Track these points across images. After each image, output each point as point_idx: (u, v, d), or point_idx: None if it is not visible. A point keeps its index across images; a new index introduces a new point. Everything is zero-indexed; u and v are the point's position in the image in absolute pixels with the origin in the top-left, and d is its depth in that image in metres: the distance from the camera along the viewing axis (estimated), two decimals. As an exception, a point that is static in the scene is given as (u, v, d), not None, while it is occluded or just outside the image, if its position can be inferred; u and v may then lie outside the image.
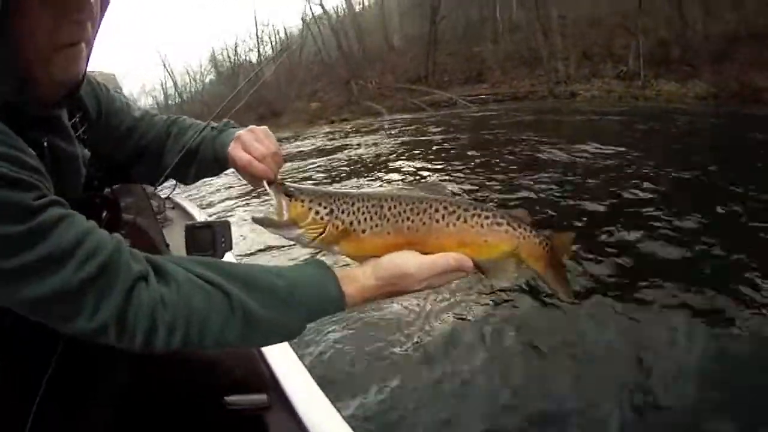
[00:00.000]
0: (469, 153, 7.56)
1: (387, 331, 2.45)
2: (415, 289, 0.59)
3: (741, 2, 12.66)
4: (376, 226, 0.59)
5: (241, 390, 0.83)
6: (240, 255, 3.66)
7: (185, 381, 0.80)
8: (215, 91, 26.48)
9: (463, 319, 2.55)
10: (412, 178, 6.36)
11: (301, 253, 3.39)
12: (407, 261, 0.58)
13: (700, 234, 3.42)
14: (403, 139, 10.48)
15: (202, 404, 0.80)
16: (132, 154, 0.84)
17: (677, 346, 2.21)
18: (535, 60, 17.26)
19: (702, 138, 8.14)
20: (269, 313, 0.54)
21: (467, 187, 5.38)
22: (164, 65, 36.80)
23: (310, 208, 0.60)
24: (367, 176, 6.91)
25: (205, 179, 0.89)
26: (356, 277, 0.58)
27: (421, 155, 8.08)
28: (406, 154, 8.31)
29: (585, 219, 3.96)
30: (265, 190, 0.65)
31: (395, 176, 6.63)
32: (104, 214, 0.70)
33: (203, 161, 0.80)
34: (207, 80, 29.72)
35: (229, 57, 27.93)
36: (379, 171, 7.12)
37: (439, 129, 11.13)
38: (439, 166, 6.96)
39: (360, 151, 9.52)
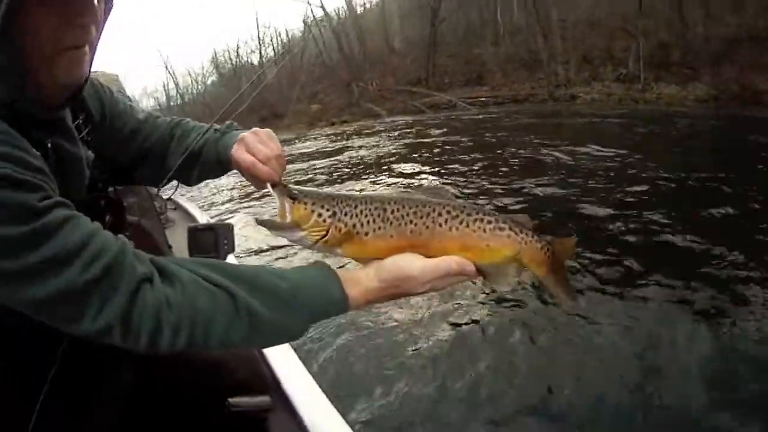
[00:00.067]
0: (470, 155, 7.56)
1: (391, 334, 2.46)
2: (417, 292, 0.60)
3: (741, 5, 12.69)
4: (379, 228, 0.59)
5: (243, 392, 0.83)
6: (241, 256, 3.66)
7: (189, 382, 0.80)
8: (217, 92, 26.54)
9: (466, 321, 2.55)
10: (412, 181, 6.37)
11: (304, 256, 3.39)
12: (410, 264, 0.58)
13: (701, 235, 3.42)
14: (404, 141, 10.50)
15: (206, 405, 0.80)
16: (135, 156, 0.84)
17: (679, 346, 2.22)
18: (536, 63, 17.28)
19: (702, 141, 8.14)
20: (273, 315, 0.54)
21: (468, 189, 5.39)
22: (166, 66, 36.95)
23: (313, 211, 0.60)
24: (368, 178, 6.91)
25: (206, 180, 0.89)
26: (359, 279, 0.58)
27: (421, 157, 8.09)
28: (407, 157, 8.33)
29: (586, 222, 3.96)
30: (268, 192, 0.65)
31: (396, 179, 6.63)
32: (108, 216, 0.70)
33: (206, 163, 0.80)
34: (209, 82, 29.82)
35: (230, 59, 28.04)
36: (380, 173, 7.12)
37: (439, 131, 11.14)
38: (439, 169, 6.97)
39: (361, 153, 9.53)
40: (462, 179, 5.98)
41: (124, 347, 0.50)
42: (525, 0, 18.81)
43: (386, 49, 22.84)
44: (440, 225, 0.59)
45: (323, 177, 7.44)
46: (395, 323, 2.54)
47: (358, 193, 0.64)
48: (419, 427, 1.85)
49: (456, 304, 2.69)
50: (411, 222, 0.59)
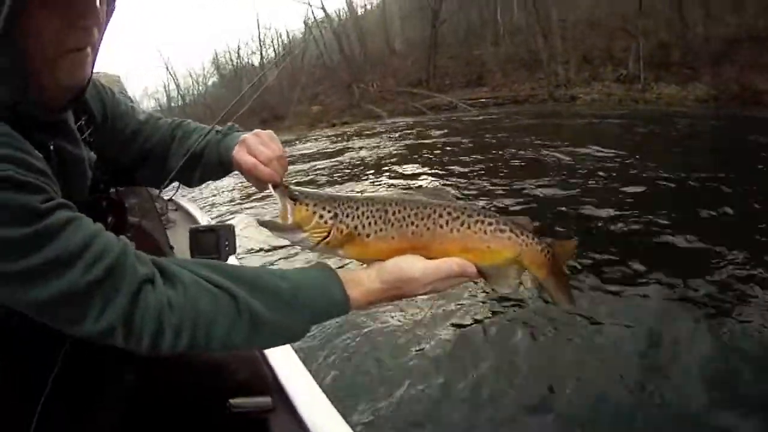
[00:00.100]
0: (470, 156, 7.56)
1: (392, 335, 2.45)
2: (418, 293, 0.60)
3: (741, 5, 12.69)
4: (381, 230, 0.60)
5: (245, 393, 0.83)
6: (242, 257, 3.66)
7: (190, 383, 0.80)
8: (218, 93, 26.57)
9: (467, 322, 2.55)
10: (413, 182, 6.37)
11: (305, 257, 3.39)
12: (412, 265, 0.58)
13: (701, 235, 3.42)
14: (405, 142, 10.51)
15: (207, 406, 0.80)
16: (137, 157, 0.85)
17: (680, 345, 2.23)
18: (536, 63, 17.29)
19: (702, 141, 8.14)
20: (274, 315, 0.54)
21: (468, 190, 5.39)
22: (167, 67, 37.02)
23: (314, 212, 0.60)
24: (369, 179, 6.91)
25: (207, 182, 0.89)
26: (361, 280, 0.59)
27: (422, 158, 8.09)
28: (408, 158, 8.33)
29: (586, 222, 3.96)
30: (270, 193, 0.65)
31: (396, 180, 6.63)
32: (110, 217, 0.70)
33: (208, 164, 0.80)
34: (209, 83, 29.86)
35: (231, 60, 28.08)
36: (381, 174, 7.13)
37: (440, 132, 11.15)
38: (440, 170, 6.97)
39: (361, 153, 9.54)
40: (462, 180, 5.98)
41: (125, 349, 0.50)
42: (525, 0, 18.83)
43: (387, 50, 22.86)
44: (441, 226, 0.59)
45: (324, 178, 7.44)
46: (396, 324, 2.54)
47: (359, 194, 0.64)
48: (421, 428, 1.84)
49: (457, 304, 2.69)
50: (412, 223, 0.59)
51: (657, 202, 4.32)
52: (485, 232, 0.60)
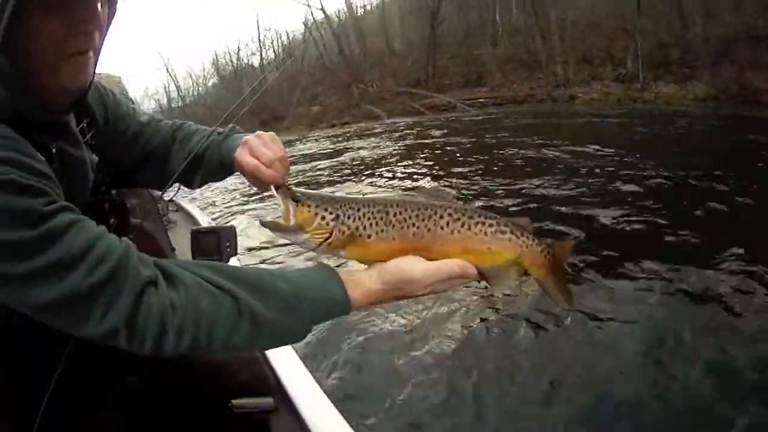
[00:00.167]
0: (470, 156, 7.57)
1: (393, 336, 2.46)
2: (419, 294, 0.60)
3: (741, 4, 12.70)
4: (382, 231, 0.60)
5: (246, 393, 0.84)
6: (243, 258, 3.66)
7: (192, 384, 0.81)
8: (218, 94, 26.55)
9: (468, 322, 2.55)
10: (412, 182, 6.38)
11: (307, 257, 3.40)
12: (413, 266, 0.59)
13: (701, 234, 3.43)
14: (404, 142, 10.52)
15: (209, 407, 0.81)
16: (138, 158, 0.85)
17: (683, 342, 2.24)
18: (534, 63, 17.30)
19: (702, 140, 8.15)
20: (276, 317, 0.54)
21: (468, 190, 5.39)
22: (167, 69, 36.99)
23: (316, 214, 0.60)
24: (369, 179, 6.92)
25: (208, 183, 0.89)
26: (362, 281, 0.59)
27: (421, 159, 8.09)
28: (407, 158, 8.33)
29: (586, 221, 3.96)
30: (271, 194, 0.65)
31: (396, 180, 6.64)
32: (112, 219, 0.71)
33: (209, 166, 0.81)
34: (209, 84, 29.84)
35: (231, 61, 28.07)
36: (381, 174, 7.13)
37: (439, 132, 11.16)
38: (439, 170, 6.97)
39: (361, 154, 9.55)
40: (462, 180, 5.98)
41: (128, 350, 0.50)
42: (524, 1, 18.84)
43: (386, 50, 22.87)
44: (442, 228, 0.60)
45: (324, 178, 7.45)
46: (398, 325, 2.54)
47: (360, 195, 0.64)
48: (422, 428, 1.85)
49: (458, 304, 2.70)
50: (413, 225, 0.60)
51: (656, 200, 4.33)
52: (486, 234, 0.60)
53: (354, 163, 8.57)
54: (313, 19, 23.95)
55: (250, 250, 3.98)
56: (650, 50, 14.27)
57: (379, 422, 1.86)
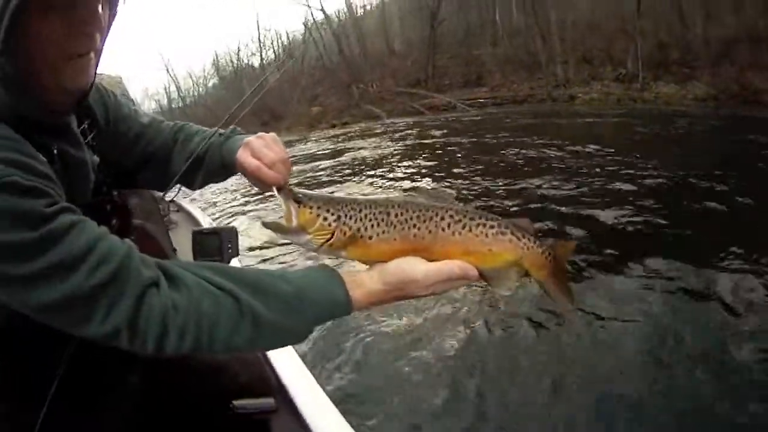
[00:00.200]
0: (470, 156, 7.58)
1: (395, 337, 2.46)
2: (419, 295, 0.60)
3: (741, 5, 12.70)
4: (383, 232, 0.60)
5: (248, 394, 0.84)
6: (245, 259, 3.66)
7: (193, 385, 0.81)
8: (218, 95, 26.59)
9: (470, 323, 2.56)
10: (413, 182, 6.38)
11: (308, 257, 3.40)
12: (414, 267, 0.59)
13: (701, 233, 3.44)
14: (404, 142, 10.53)
15: (210, 408, 0.81)
16: (139, 159, 0.85)
17: (685, 341, 2.25)
18: (534, 63, 17.31)
19: (702, 140, 8.16)
20: (277, 317, 0.54)
21: (468, 190, 5.39)
22: (167, 69, 37.02)
23: (318, 215, 0.60)
24: (369, 180, 6.92)
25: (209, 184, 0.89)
26: (363, 282, 0.59)
27: (421, 159, 8.10)
28: (407, 158, 8.34)
29: (586, 221, 3.97)
30: (273, 194, 0.65)
31: (396, 181, 6.64)
32: (114, 219, 0.71)
33: (210, 167, 0.81)
34: (210, 84, 29.87)
35: (231, 61, 28.09)
36: (381, 175, 7.13)
37: (439, 133, 11.17)
38: (439, 170, 6.98)
39: (362, 154, 9.55)
40: (462, 180, 5.99)
41: (130, 350, 0.50)
42: (524, 1, 18.85)
43: (386, 50, 22.89)
44: (443, 229, 0.60)
45: (324, 179, 7.45)
46: (399, 325, 2.54)
47: (362, 196, 0.64)
48: (423, 430, 1.84)
49: (459, 305, 2.70)
50: (414, 226, 0.60)
51: (656, 200, 4.33)
52: (487, 235, 0.60)
53: (354, 163, 8.58)
54: (313, 19, 23.98)
55: (251, 250, 3.99)
56: (650, 50, 14.28)
57: (380, 423, 1.86)
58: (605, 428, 1.80)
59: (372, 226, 0.60)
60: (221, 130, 0.83)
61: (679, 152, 6.83)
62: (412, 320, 2.58)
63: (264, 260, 3.80)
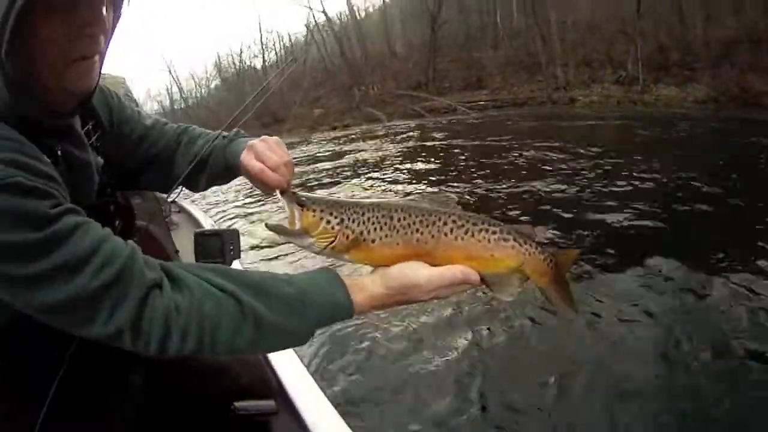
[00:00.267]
0: (470, 159, 7.58)
1: (396, 340, 2.45)
2: (421, 300, 0.60)
3: (741, 7, 12.72)
4: (386, 236, 0.60)
5: (249, 396, 0.84)
6: (247, 261, 3.66)
7: (195, 387, 0.81)
8: (220, 96, 26.67)
9: (472, 326, 2.54)
10: (413, 185, 6.38)
11: (310, 260, 3.40)
12: (416, 272, 0.59)
13: (702, 233, 3.44)
14: (405, 145, 10.54)
15: (212, 409, 0.81)
16: (142, 161, 0.85)
17: (687, 340, 2.25)
18: (535, 66, 17.35)
19: (702, 142, 8.16)
20: (279, 320, 0.54)
21: (468, 194, 5.40)
22: (170, 70, 37.14)
23: (321, 218, 0.61)
24: (369, 182, 6.92)
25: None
26: (365, 285, 0.59)
27: (422, 161, 8.11)
28: (408, 161, 8.34)
29: (587, 223, 3.96)
30: (276, 197, 0.66)
31: (397, 183, 6.64)
32: (117, 221, 0.71)
33: (214, 169, 0.81)
34: (212, 86, 29.95)
35: (234, 63, 28.17)
36: (381, 177, 7.13)
37: (440, 135, 11.18)
38: (440, 173, 6.98)
39: (363, 156, 9.56)
40: (463, 184, 5.98)
41: (133, 351, 0.51)
42: (524, 3, 18.90)
43: (387, 53, 22.94)
44: (446, 234, 0.60)
45: (326, 180, 7.45)
46: (401, 329, 2.53)
47: (365, 200, 0.65)
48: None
49: (461, 308, 2.69)
50: (417, 230, 0.60)
51: (656, 201, 4.34)
52: (489, 241, 0.60)
53: (356, 165, 8.59)
54: (315, 22, 24.06)
55: (252, 252, 3.99)
56: (650, 53, 14.30)
57: (380, 425, 1.86)
58: (607, 428, 1.79)
59: (375, 229, 0.60)
60: (225, 133, 0.83)
61: (680, 154, 6.83)
62: (413, 323, 2.57)
63: (266, 261, 3.80)
